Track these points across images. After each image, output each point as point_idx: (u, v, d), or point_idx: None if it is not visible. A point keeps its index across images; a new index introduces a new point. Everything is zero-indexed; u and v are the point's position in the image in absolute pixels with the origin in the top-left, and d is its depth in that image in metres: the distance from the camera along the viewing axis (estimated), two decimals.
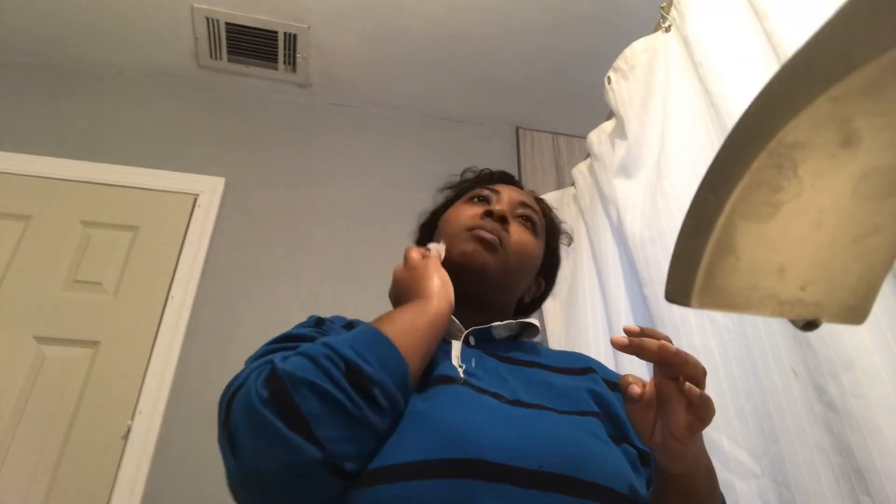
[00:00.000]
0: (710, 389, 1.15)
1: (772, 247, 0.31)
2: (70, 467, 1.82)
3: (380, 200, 2.48)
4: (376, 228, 2.39)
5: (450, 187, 1.08)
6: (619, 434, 0.76)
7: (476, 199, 0.97)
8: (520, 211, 0.96)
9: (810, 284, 0.32)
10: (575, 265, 1.78)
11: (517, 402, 0.72)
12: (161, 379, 1.96)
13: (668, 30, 1.58)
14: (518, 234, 0.93)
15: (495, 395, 0.72)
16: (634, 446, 0.76)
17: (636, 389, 0.61)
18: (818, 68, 0.23)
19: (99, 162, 2.30)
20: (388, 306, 0.85)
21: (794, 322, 0.34)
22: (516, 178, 1.08)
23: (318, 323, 0.82)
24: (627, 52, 1.69)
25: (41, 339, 1.97)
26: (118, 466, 1.82)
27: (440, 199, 1.08)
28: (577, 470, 0.63)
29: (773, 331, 1.09)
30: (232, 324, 2.07)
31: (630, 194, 1.56)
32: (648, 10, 1.70)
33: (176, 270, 2.15)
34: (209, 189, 2.34)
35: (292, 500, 0.59)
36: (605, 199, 1.68)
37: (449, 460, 0.60)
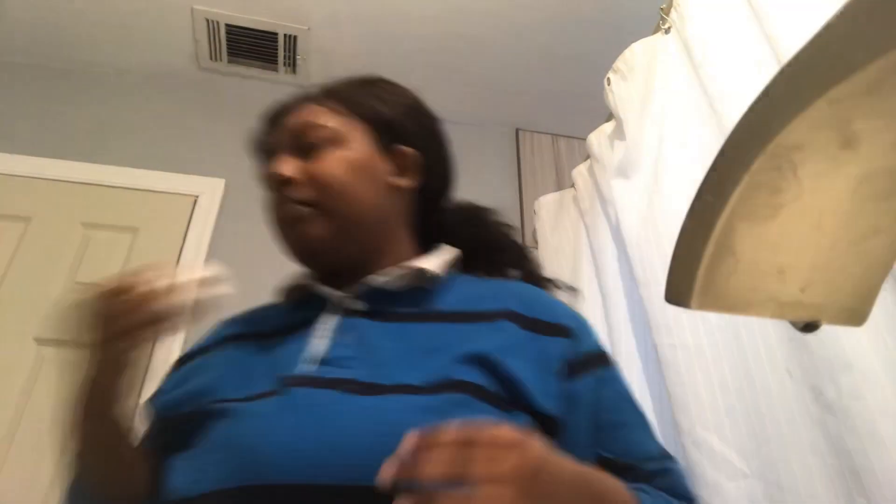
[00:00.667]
0: (701, 389, 1.14)
1: (772, 248, 0.31)
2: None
3: None
4: None
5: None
6: (512, 397, 0.61)
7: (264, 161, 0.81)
8: (308, 140, 0.76)
9: (810, 286, 0.32)
10: (575, 266, 1.78)
11: (370, 388, 0.60)
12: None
13: (667, 31, 1.58)
14: (315, 169, 0.73)
15: (347, 384, 0.60)
16: (534, 411, 0.61)
17: None
18: (818, 70, 0.23)
19: (99, 163, 2.30)
20: None
21: (793, 324, 0.34)
22: (294, 104, 0.85)
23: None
24: (627, 53, 1.70)
25: (41, 341, 1.96)
26: None
27: None
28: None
29: (767, 332, 1.08)
30: None
31: (628, 195, 1.56)
32: (648, 12, 1.70)
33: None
34: (209, 190, 2.34)
35: None
36: (603, 201, 1.69)
37: (244, 488, 0.54)
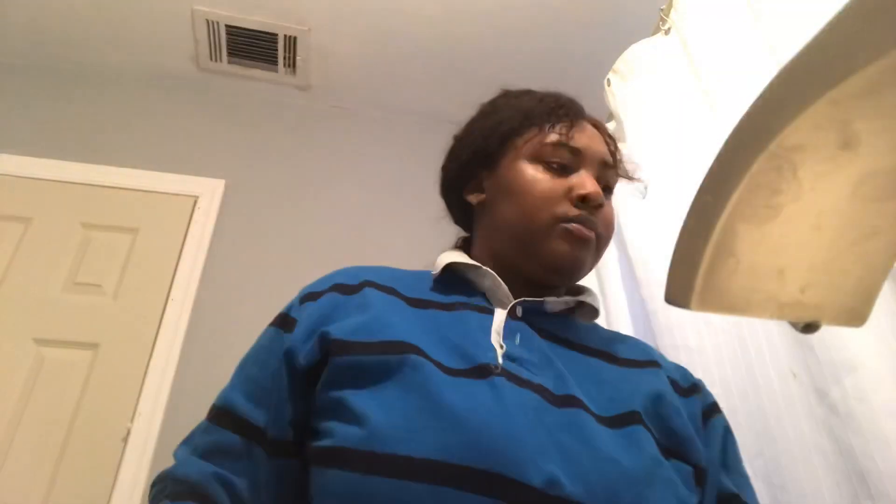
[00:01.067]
0: None
1: (772, 249, 0.31)
2: (70, 470, 1.82)
3: (379, 202, 2.48)
4: (376, 230, 2.39)
5: (502, 120, 0.83)
6: (672, 445, 0.65)
7: (554, 166, 0.75)
8: (606, 176, 0.78)
9: (810, 287, 0.32)
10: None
11: (564, 401, 0.62)
12: (161, 381, 1.96)
13: (667, 32, 1.58)
14: (606, 212, 0.76)
15: (539, 390, 0.62)
16: (689, 462, 0.65)
17: None
18: (818, 71, 0.23)
19: (99, 164, 2.30)
20: None
21: (793, 324, 0.34)
22: (597, 122, 0.85)
23: (283, 323, 0.73)
24: (627, 54, 1.69)
25: (41, 342, 1.97)
26: (118, 469, 1.82)
27: (486, 129, 0.84)
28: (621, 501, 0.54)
29: (771, 333, 1.08)
30: (232, 326, 2.07)
31: (628, 196, 1.56)
32: (648, 13, 1.70)
33: (176, 273, 2.15)
34: (209, 191, 2.34)
35: None
36: None
37: (475, 470, 0.52)
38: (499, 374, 0.61)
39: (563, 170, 0.75)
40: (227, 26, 2.33)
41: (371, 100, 2.67)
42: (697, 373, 1.16)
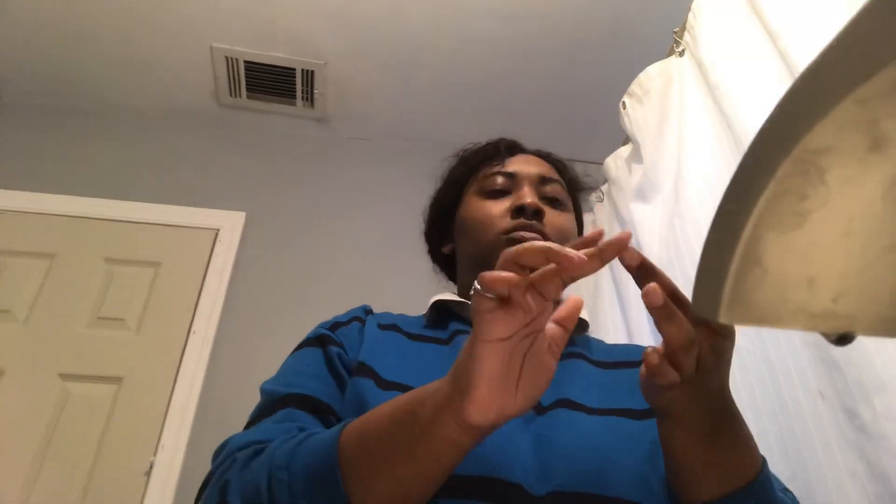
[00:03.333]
0: None
1: (800, 257, 0.30)
2: None
3: (398, 231, 2.48)
4: (395, 259, 2.39)
5: (451, 174, 0.96)
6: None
7: (493, 193, 0.85)
8: (546, 190, 0.85)
9: (842, 296, 0.31)
10: (595, 291, 1.76)
11: (550, 406, 0.66)
12: (183, 414, 1.96)
13: (681, 54, 1.58)
14: (553, 219, 0.82)
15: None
16: None
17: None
18: (842, 70, 0.23)
19: (122, 200, 2.34)
20: None
21: (826, 336, 0.33)
22: (520, 141, 0.96)
23: (325, 340, 0.75)
24: (642, 76, 1.70)
25: (66, 377, 1.98)
26: (141, 503, 1.82)
27: (442, 188, 0.96)
28: (598, 485, 0.59)
29: (797, 352, 1.06)
30: (253, 357, 2.07)
31: (647, 218, 1.55)
32: (661, 36, 1.71)
33: (197, 305, 2.17)
34: (230, 224, 2.37)
35: None
36: (623, 223, 1.67)
37: (463, 477, 0.56)
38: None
39: (502, 194, 0.84)
40: (245, 62, 2.38)
41: (387, 130, 2.70)
42: None
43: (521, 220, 0.79)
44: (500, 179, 0.86)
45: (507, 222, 0.80)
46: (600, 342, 0.87)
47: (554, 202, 0.86)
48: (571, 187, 0.94)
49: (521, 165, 0.87)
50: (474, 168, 0.91)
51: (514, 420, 0.48)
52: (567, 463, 0.60)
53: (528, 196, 0.81)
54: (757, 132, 0.27)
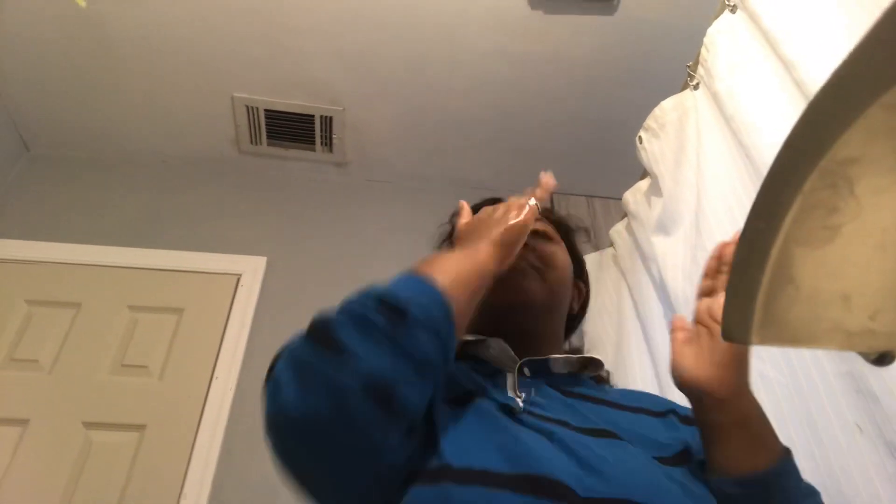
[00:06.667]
0: None
1: (833, 274, 0.29)
2: None
3: None
4: None
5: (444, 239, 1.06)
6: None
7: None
8: (537, 226, 0.91)
9: (880, 313, 0.30)
10: (619, 326, 1.74)
11: (589, 430, 0.67)
12: (206, 461, 1.94)
13: (696, 87, 1.59)
14: (547, 248, 0.89)
15: (562, 423, 0.67)
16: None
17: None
18: (868, 75, 0.22)
19: (146, 248, 2.37)
20: None
21: (865, 355, 0.32)
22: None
23: None
24: (657, 111, 1.71)
25: (89, 425, 1.98)
26: None
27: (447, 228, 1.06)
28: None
29: (831, 384, 1.02)
30: None
31: (670, 251, 1.53)
32: (674, 70, 1.72)
33: (220, 351, 2.17)
34: (251, 269, 2.38)
35: (347, 449, 0.53)
36: (645, 258, 1.66)
37: (527, 476, 0.57)
38: (522, 414, 0.67)
39: None
40: (265, 110, 2.44)
41: (405, 171, 2.72)
42: None
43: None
44: None
45: None
46: (616, 388, 0.91)
47: (542, 235, 0.91)
48: (562, 230, 0.99)
49: None
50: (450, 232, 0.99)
51: (565, 435, 0.63)
52: (620, 480, 0.61)
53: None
54: (781, 145, 0.27)
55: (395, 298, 0.58)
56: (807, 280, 0.29)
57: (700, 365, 0.68)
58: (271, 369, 0.59)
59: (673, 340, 0.72)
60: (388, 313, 0.56)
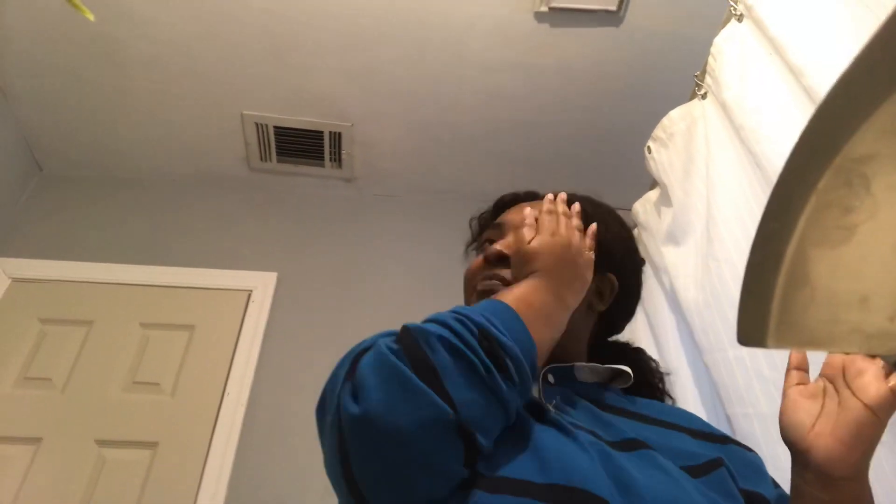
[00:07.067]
0: (784, 461, 1.06)
1: (850, 274, 0.29)
2: None
3: (428, 284, 2.48)
4: (428, 312, 2.38)
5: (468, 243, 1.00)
6: (754, 479, 0.72)
7: (486, 245, 0.87)
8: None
9: None
10: (631, 336, 1.72)
11: (619, 444, 0.65)
12: (218, 478, 1.93)
13: (704, 97, 1.59)
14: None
15: (592, 433, 0.64)
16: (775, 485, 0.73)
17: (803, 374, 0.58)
18: (881, 70, 0.22)
19: (157, 265, 2.39)
20: None
21: (885, 358, 0.31)
22: (520, 194, 0.95)
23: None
24: (665, 121, 1.71)
25: (102, 442, 1.98)
26: None
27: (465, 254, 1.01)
28: None
29: None
30: (287, 418, 2.05)
31: (680, 261, 1.52)
32: (682, 80, 1.72)
33: (231, 367, 2.17)
34: (262, 284, 2.39)
35: (418, 467, 0.54)
36: (655, 268, 1.65)
37: (563, 488, 0.55)
38: (553, 415, 0.65)
39: (489, 244, 0.86)
40: (275, 128, 2.45)
41: (413, 185, 2.73)
42: (776, 444, 1.08)
43: (487, 272, 0.81)
44: (492, 232, 0.88)
45: (475, 273, 0.83)
46: (647, 400, 0.85)
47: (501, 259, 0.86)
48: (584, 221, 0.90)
49: (511, 214, 0.88)
50: (480, 228, 0.96)
51: (597, 447, 0.60)
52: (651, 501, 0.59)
53: (498, 244, 0.82)
54: (794, 143, 0.27)
55: (498, 343, 0.58)
56: (823, 281, 0.29)
57: (819, 432, 0.57)
58: (352, 371, 0.58)
59: (788, 382, 0.59)
60: (487, 355, 0.57)
